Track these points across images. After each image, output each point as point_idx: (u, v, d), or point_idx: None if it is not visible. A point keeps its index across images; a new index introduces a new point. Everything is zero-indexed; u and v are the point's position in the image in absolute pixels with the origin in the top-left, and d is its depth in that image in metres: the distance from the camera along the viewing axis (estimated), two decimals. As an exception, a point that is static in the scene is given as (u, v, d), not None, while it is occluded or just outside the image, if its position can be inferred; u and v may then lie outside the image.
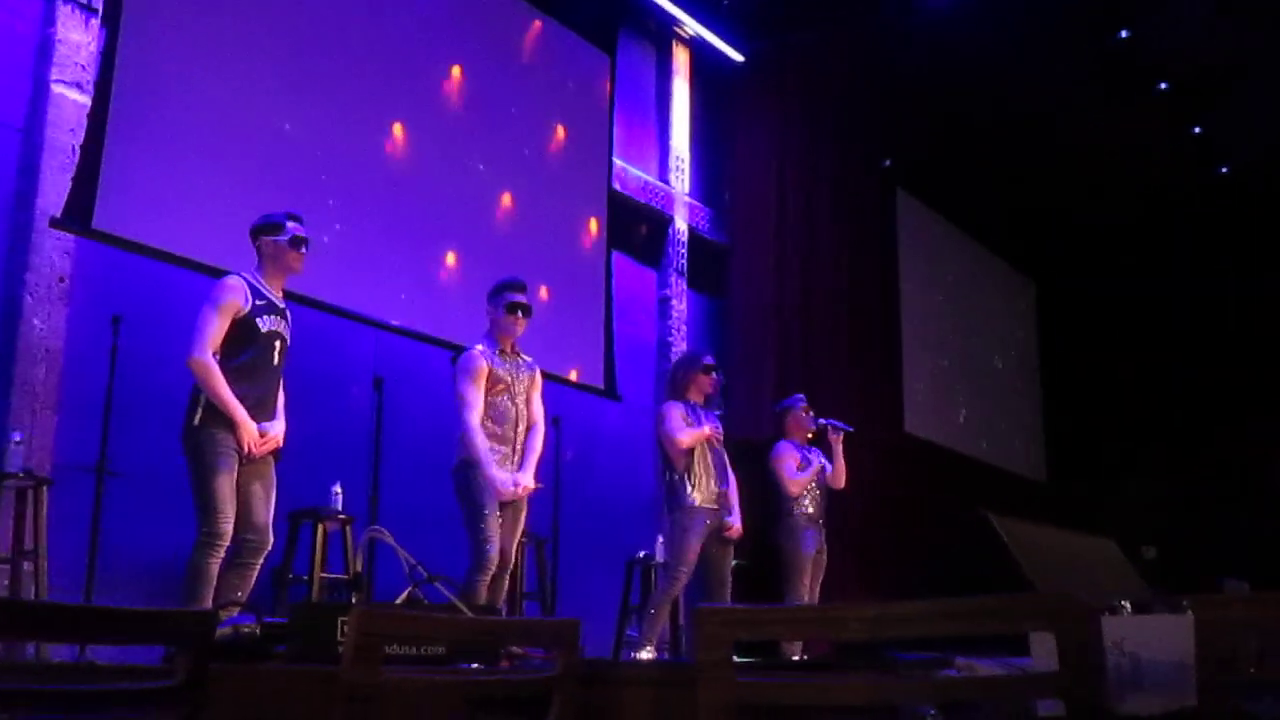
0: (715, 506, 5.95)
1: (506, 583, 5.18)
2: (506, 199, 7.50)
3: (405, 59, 6.93)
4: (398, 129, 6.83)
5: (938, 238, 12.41)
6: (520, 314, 5.23)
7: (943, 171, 11.81)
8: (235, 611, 3.25)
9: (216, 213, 5.67)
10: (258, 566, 4.34)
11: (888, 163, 11.12)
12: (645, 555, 7.07)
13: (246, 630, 2.98)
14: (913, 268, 11.64)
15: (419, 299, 6.81)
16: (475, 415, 5.06)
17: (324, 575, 5.43)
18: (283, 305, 4.54)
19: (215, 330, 4.29)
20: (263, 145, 6.04)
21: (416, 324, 6.75)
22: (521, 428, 5.21)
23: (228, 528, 4.18)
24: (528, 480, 5.16)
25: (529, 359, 5.35)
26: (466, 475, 5.06)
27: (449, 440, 6.97)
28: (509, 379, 5.18)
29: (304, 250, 4.49)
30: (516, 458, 5.16)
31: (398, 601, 3.79)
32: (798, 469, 6.79)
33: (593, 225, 8.21)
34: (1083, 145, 11.20)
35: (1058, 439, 13.81)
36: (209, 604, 4.02)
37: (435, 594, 3.78)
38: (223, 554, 4.18)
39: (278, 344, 4.44)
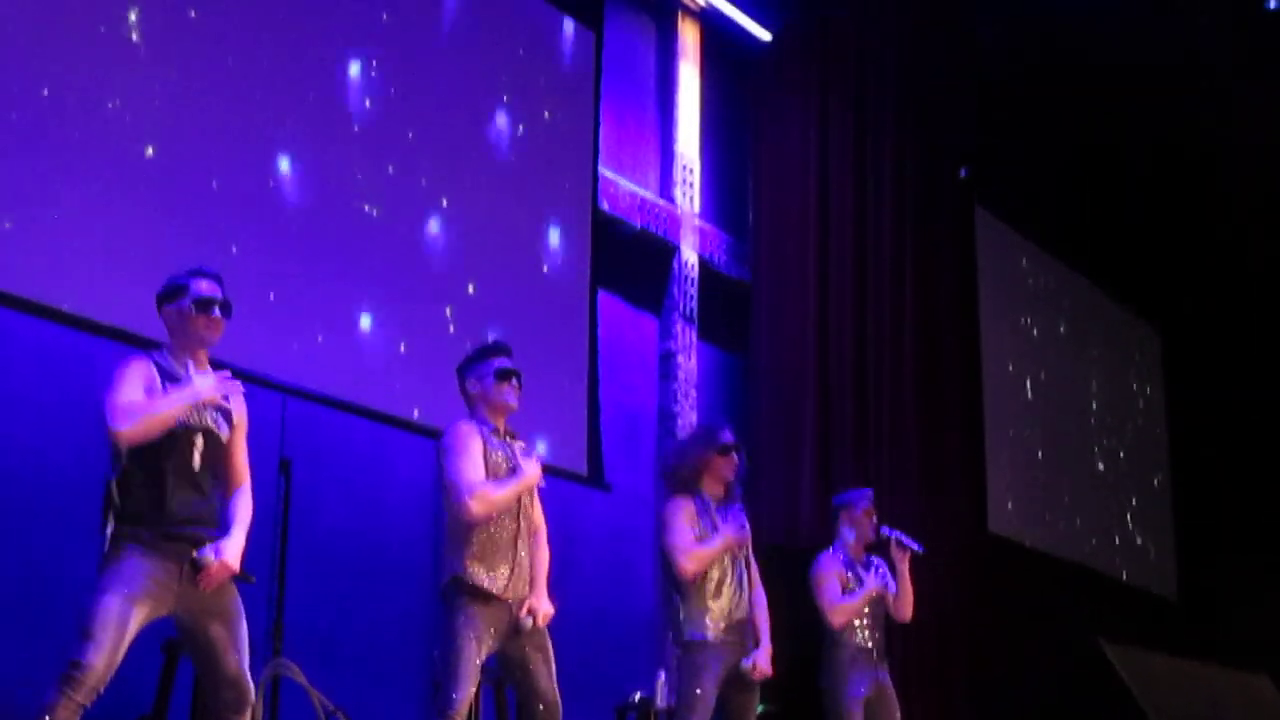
0: (736, 639, 5.93)
1: None
2: (452, 225, 7.54)
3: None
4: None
5: (1031, 273, 12.47)
6: (515, 382, 5.30)
7: (1037, 184, 11.86)
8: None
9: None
10: None
11: (964, 172, 11.20)
12: (642, 698, 7.02)
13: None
14: (998, 313, 11.68)
15: (338, 355, 6.82)
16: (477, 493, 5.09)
17: (210, 726, 5.40)
18: None
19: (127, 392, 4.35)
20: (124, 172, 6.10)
21: (337, 388, 6.76)
22: (524, 538, 5.23)
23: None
24: (546, 604, 5.21)
25: (523, 445, 5.38)
26: (456, 592, 5.08)
27: (377, 543, 6.91)
28: (506, 469, 5.21)
29: (216, 313, 4.58)
30: (521, 579, 5.19)
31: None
32: (844, 592, 6.79)
33: (570, 257, 8.24)
34: (1230, 150, 11.16)
35: (1193, 543, 13.76)
36: None
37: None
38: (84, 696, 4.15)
39: (199, 440, 4.53)
